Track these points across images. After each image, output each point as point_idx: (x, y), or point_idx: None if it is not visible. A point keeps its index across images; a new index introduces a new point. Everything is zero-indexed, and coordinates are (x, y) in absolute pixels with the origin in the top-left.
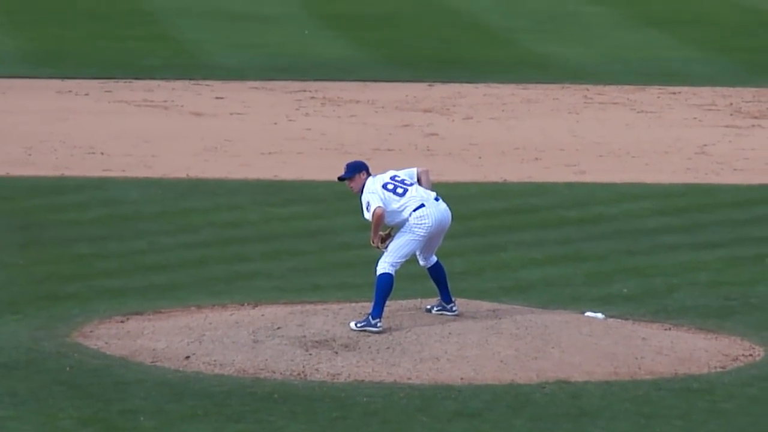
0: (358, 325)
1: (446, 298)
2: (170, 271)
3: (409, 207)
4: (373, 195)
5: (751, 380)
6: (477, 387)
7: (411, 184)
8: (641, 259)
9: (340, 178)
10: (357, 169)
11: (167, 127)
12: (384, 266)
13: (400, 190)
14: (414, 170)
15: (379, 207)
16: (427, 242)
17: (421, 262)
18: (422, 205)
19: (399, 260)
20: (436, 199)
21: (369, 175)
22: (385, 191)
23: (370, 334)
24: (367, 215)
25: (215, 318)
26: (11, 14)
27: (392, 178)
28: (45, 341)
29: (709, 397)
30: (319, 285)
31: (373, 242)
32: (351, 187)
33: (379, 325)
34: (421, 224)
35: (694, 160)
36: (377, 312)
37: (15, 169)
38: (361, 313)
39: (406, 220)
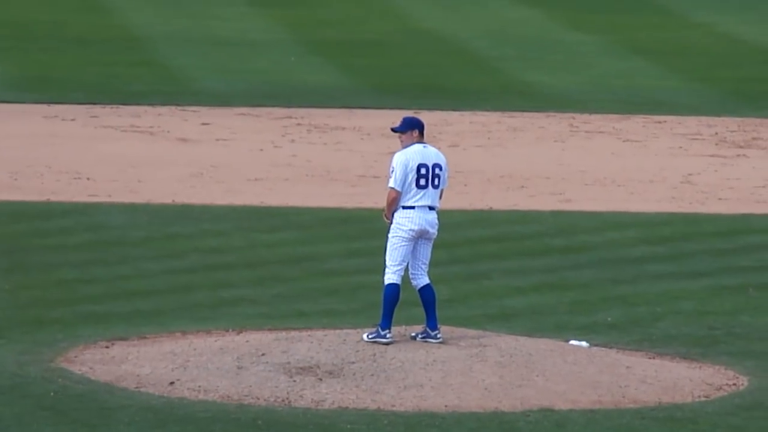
0: (369, 336)
1: (432, 324)
2: (155, 296)
3: (406, 201)
4: (399, 169)
5: (734, 410)
6: (461, 415)
7: (436, 186)
8: (626, 287)
9: (393, 129)
10: (410, 126)
11: (153, 153)
12: (387, 276)
13: (422, 182)
14: (446, 183)
15: (394, 190)
16: (414, 248)
17: (412, 282)
18: (413, 208)
19: (397, 266)
20: (431, 209)
21: (422, 136)
22: (415, 174)
23: (354, 361)
24: (390, 181)
25: (200, 344)
26: None
27: (434, 166)
28: (30, 366)
29: (692, 426)
30: (304, 311)
31: (385, 217)
32: (401, 141)
33: (388, 336)
34: (402, 224)
35: (679, 189)
36: (386, 323)
37: (1, 194)
38: (345, 340)
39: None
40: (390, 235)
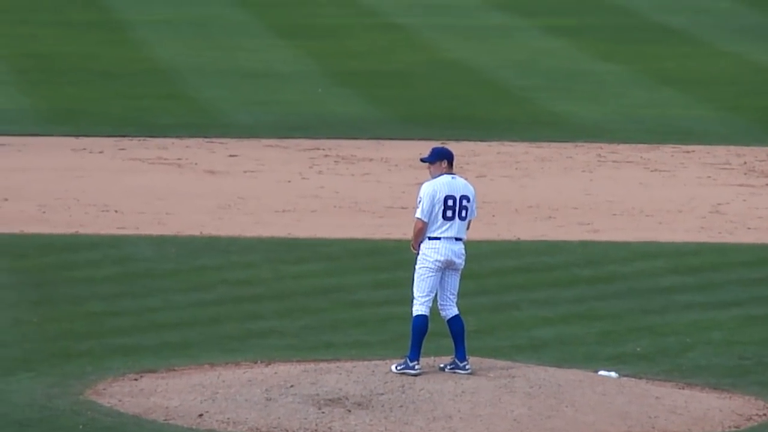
0: (398, 368)
1: (461, 355)
2: (183, 328)
3: (432, 232)
4: (426, 200)
5: None
6: None
7: (463, 218)
8: (655, 317)
9: (422, 160)
10: (439, 157)
11: (181, 185)
12: (415, 308)
13: (449, 214)
14: (474, 214)
15: (421, 221)
16: (441, 278)
17: (441, 312)
18: (439, 239)
19: (425, 297)
20: (457, 239)
21: (450, 167)
22: (442, 205)
23: (383, 392)
24: (416, 211)
25: (228, 376)
26: (26, 73)
27: (461, 198)
28: (58, 399)
29: None
30: (332, 343)
31: (413, 248)
32: (429, 171)
33: (417, 367)
34: (428, 255)
35: (708, 219)
36: (414, 354)
37: (29, 226)
38: (373, 372)
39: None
40: (417, 266)
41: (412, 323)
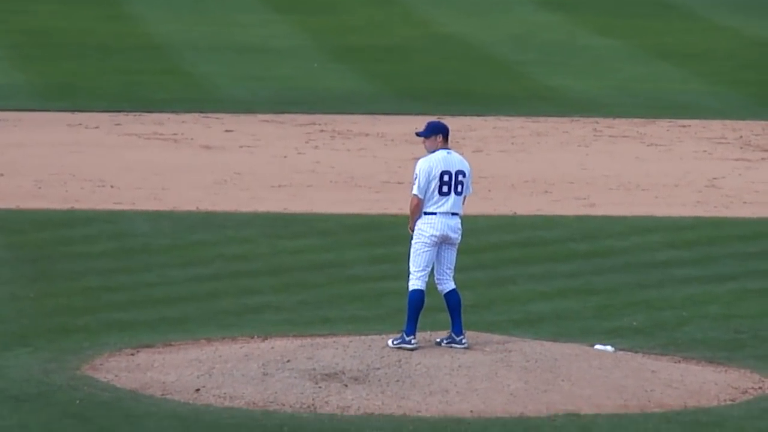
0: (395, 342)
1: (457, 329)
2: (180, 303)
3: (428, 207)
4: (422, 176)
5: (761, 413)
6: (486, 420)
7: (459, 193)
8: (651, 292)
9: (417, 134)
10: (434, 131)
11: (177, 160)
12: (411, 282)
13: (445, 189)
14: (470, 190)
15: (417, 197)
16: (438, 253)
17: (438, 287)
18: (435, 214)
19: (421, 272)
20: (453, 214)
21: (446, 142)
22: (437, 181)
23: (379, 366)
24: (413, 188)
25: (225, 351)
26: (21, 48)
27: (457, 173)
28: (55, 374)
29: (718, 430)
30: (329, 318)
31: (410, 229)
32: (425, 145)
33: (413, 342)
34: (423, 230)
35: (704, 194)
36: (410, 329)
37: (25, 202)
38: (370, 347)
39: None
40: (413, 241)
41: (408, 297)
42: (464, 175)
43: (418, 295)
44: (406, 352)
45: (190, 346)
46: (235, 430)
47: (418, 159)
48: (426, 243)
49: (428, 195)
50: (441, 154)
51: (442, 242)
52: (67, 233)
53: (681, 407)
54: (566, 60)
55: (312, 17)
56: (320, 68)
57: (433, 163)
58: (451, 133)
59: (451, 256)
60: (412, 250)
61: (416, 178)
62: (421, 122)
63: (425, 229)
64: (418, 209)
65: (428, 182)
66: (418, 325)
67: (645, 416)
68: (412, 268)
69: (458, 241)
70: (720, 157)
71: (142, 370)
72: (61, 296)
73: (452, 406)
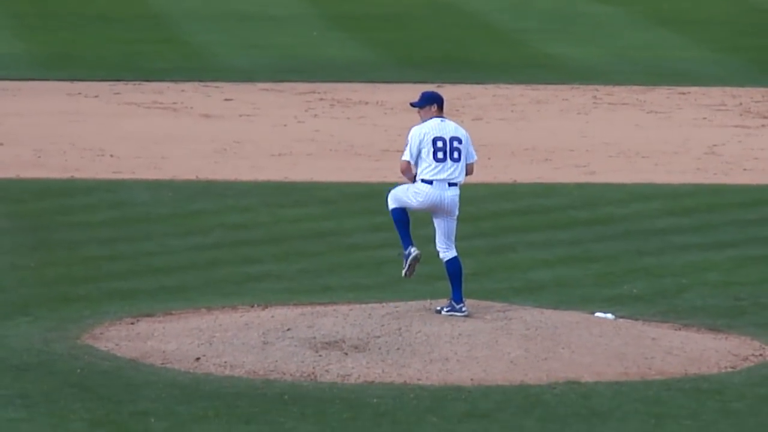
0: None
1: (457, 296)
2: (180, 272)
3: (425, 174)
4: (413, 142)
5: (761, 380)
6: (487, 388)
7: (456, 160)
8: (651, 259)
9: (412, 104)
10: (429, 101)
11: (177, 129)
12: (390, 206)
13: (440, 155)
14: (473, 156)
15: (405, 161)
16: (438, 223)
17: (440, 254)
18: (431, 183)
19: (397, 204)
20: (451, 184)
21: (440, 111)
22: (430, 146)
23: (380, 335)
24: (403, 154)
25: (225, 320)
26: (21, 18)
27: (451, 139)
28: (56, 343)
29: (719, 397)
30: (329, 286)
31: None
32: (420, 115)
33: (413, 250)
34: (416, 193)
35: (704, 161)
36: (407, 243)
37: (25, 171)
38: (370, 315)
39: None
40: (408, 186)
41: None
42: (460, 142)
43: (398, 212)
44: (405, 320)
45: (190, 315)
46: (235, 398)
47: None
48: (412, 201)
49: (424, 160)
50: (434, 121)
51: (436, 211)
52: (67, 202)
53: (681, 374)
54: (565, 27)
55: None
56: (320, 36)
57: (425, 129)
58: (450, 102)
59: (450, 227)
60: (403, 187)
61: (407, 144)
62: (420, 90)
63: (418, 193)
64: (408, 172)
65: (419, 149)
66: (412, 296)
67: (645, 384)
68: (391, 197)
69: (455, 213)
70: (720, 124)
71: (143, 339)
72: (61, 265)
73: (452, 374)
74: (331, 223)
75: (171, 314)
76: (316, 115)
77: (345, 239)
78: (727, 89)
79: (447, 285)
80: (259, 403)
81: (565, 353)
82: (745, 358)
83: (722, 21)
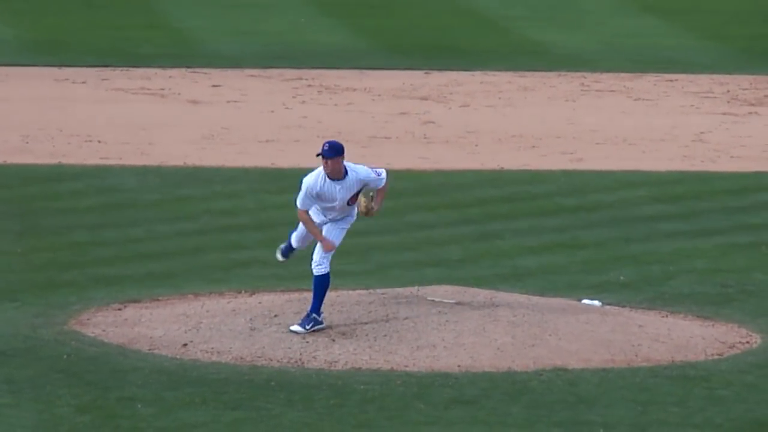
0: (308, 327)
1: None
2: (167, 258)
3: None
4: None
5: (748, 367)
6: (474, 374)
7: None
8: (638, 246)
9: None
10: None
11: (164, 115)
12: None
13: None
14: (382, 179)
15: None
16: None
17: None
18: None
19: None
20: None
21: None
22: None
23: (367, 321)
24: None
25: (212, 306)
26: (8, 2)
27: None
28: (43, 329)
29: (706, 384)
30: None
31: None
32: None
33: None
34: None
35: (691, 148)
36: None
37: (12, 157)
38: (357, 302)
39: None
40: (346, 224)
41: (323, 281)
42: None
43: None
44: (393, 306)
45: (177, 301)
46: (222, 385)
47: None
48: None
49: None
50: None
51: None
52: (54, 188)
53: (668, 362)
54: (552, 14)
55: None
56: (308, 23)
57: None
58: (438, 88)
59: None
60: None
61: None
62: (408, 77)
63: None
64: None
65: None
66: (407, 280)
67: (632, 371)
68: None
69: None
70: (707, 111)
71: (130, 325)
72: (48, 251)
73: (440, 360)
74: None
75: (158, 300)
76: (303, 102)
77: None
78: (715, 77)
79: (435, 272)
80: (246, 390)
81: (551, 340)
82: (732, 346)
83: (710, 9)
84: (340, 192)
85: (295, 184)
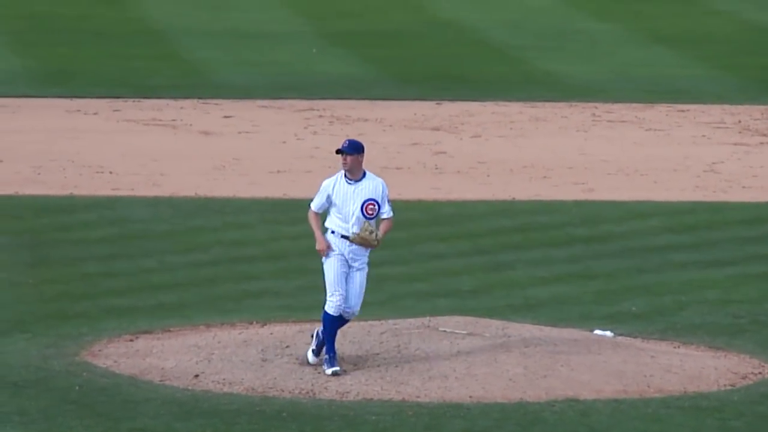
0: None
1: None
2: (179, 289)
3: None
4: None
5: (760, 398)
6: (486, 405)
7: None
8: (650, 277)
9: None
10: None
11: (176, 146)
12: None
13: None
14: (391, 212)
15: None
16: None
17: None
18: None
19: None
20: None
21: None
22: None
23: (378, 352)
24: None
25: (224, 337)
26: (20, 34)
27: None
28: (54, 360)
29: (718, 415)
30: None
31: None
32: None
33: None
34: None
35: (703, 178)
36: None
37: (24, 188)
38: (369, 332)
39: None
40: (367, 268)
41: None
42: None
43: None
44: (405, 336)
45: (189, 332)
46: (234, 416)
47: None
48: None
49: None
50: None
51: None
52: (66, 219)
53: (680, 392)
54: (563, 44)
55: (310, 2)
56: (318, 53)
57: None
58: (449, 119)
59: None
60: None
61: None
62: (419, 107)
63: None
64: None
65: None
66: (411, 314)
67: (644, 401)
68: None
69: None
70: (719, 141)
71: (141, 356)
72: (59, 282)
73: (451, 391)
74: None
75: (170, 331)
76: (315, 132)
77: None
78: (726, 107)
79: (447, 302)
80: (257, 420)
81: (564, 371)
82: (744, 376)
83: (721, 39)
84: (354, 194)
85: (306, 215)
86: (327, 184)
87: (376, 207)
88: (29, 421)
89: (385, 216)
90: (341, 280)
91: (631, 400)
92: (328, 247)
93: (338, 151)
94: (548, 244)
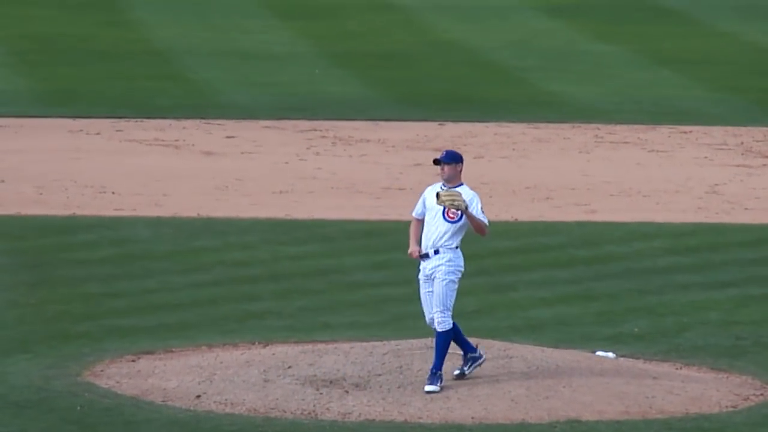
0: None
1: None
2: (181, 310)
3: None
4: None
5: (762, 420)
6: (488, 426)
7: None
8: (652, 298)
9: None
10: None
11: (178, 166)
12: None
13: None
14: (485, 217)
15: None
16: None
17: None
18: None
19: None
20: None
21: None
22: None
23: (381, 373)
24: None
25: (226, 357)
26: (22, 54)
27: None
28: (56, 380)
29: None
30: (330, 324)
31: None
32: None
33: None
34: (459, 264)
35: (705, 200)
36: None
37: (26, 208)
38: (371, 353)
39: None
40: (448, 277)
41: (447, 336)
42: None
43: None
44: (406, 357)
45: (190, 353)
46: None
47: (461, 186)
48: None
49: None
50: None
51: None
52: (68, 239)
53: (682, 414)
54: (566, 66)
55: (313, 23)
56: (321, 74)
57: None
58: (452, 140)
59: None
60: (448, 286)
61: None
62: (422, 128)
63: (459, 263)
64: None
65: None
66: (413, 335)
67: (646, 423)
68: (447, 305)
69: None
70: (721, 163)
71: (143, 377)
72: (61, 302)
73: (453, 412)
74: (331, 260)
75: (171, 351)
76: (317, 153)
77: (346, 277)
78: (729, 128)
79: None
80: None
81: (566, 392)
82: (747, 398)
83: (723, 60)
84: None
85: (309, 235)
86: (427, 189)
87: (459, 213)
88: None
89: (477, 215)
90: (423, 299)
91: (634, 422)
92: (418, 253)
93: (436, 162)
94: (550, 265)
